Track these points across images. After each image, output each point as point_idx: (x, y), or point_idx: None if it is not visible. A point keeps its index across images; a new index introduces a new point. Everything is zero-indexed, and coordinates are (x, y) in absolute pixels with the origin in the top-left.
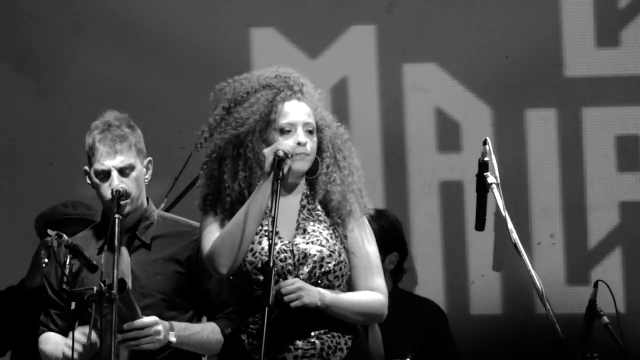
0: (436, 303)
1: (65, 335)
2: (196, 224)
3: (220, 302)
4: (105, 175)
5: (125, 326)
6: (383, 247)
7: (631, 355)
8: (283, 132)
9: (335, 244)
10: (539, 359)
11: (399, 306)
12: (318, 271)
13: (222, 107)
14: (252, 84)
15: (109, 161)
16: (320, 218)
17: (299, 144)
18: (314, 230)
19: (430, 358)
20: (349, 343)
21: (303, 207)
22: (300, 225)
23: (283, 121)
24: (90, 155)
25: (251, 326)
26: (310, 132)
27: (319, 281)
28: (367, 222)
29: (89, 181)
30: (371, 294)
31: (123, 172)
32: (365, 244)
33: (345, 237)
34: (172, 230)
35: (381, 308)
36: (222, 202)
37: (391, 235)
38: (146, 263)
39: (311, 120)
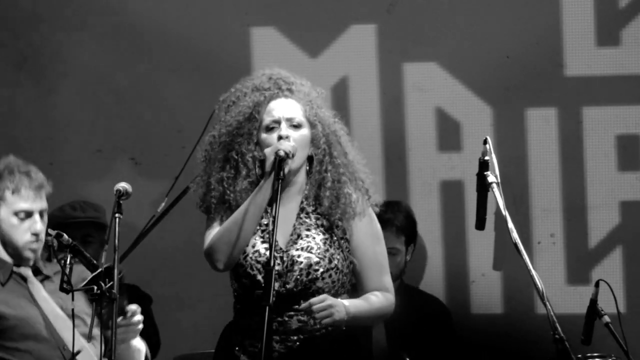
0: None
1: None
2: None
3: None
4: (27, 215)
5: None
6: (410, 237)
7: (632, 355)
8: (268, 129)
9: (327, 250)
10: (539, 358)
11: (405, 301)
12: (305, 278)
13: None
14: (244, 87)
15: (34, 204)
16: (318, 222)
17: (279, 137)
18: (307, 236)
19: (433, 353)
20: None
21: (302, 210)
22: (296, 231)
23: (267, 119)
24: (4, 197)
25: (240, 322)
26: (296, 126)
27: (307, 288)
28: (373, 218)
29: None
30: (382, 295)
31: (42, 215)
32: (371, 242)
33: (345, 240)
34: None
35: (391, 308)
36: (209, 202)
37: (413, 226)
38: (58, 292)
39: (296, 115)
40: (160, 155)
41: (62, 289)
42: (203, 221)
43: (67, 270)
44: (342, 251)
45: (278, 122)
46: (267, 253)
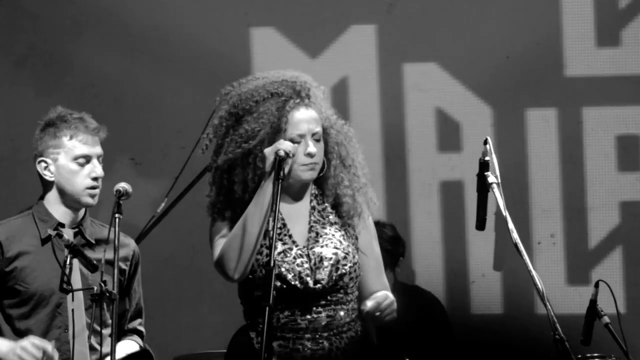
0: (429, 291)
1: None
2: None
3: (131, 315)
4: (86, 161)
5: None
6: (397, 258)
7: (632, 355)
8: (293, 141)
9: (348, 246)
10: (539, 359)
11: (402, 299)
12: (335, 274)
13: (228, 112)
14: (260, 91)
15: (93, 148)
16: (331, 220)
17: (309, 154)
18: (326, 233)
19: (429, 350)
20: (357, 345)
21: (313, 208)
22: (313, 229)
23: (294, 132)
24: (62, 144)
25: (260, 326)
26: (318, 140)
27: (335, 284)
28: (371, 220)
29: (47, 172)
30: (388, 295)
31: (99, 161)
32: (374, 243)
33: (356, 237)
34: (106, 235)
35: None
36: (233, 211)
37: (398, 248)
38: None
39: (319, 128)
40: (160, 155)
41: (61, 289)
42: (203, 221)
43: (67, 271)
44: (356, 247)
45: (303, 136)
46: (288, 250)
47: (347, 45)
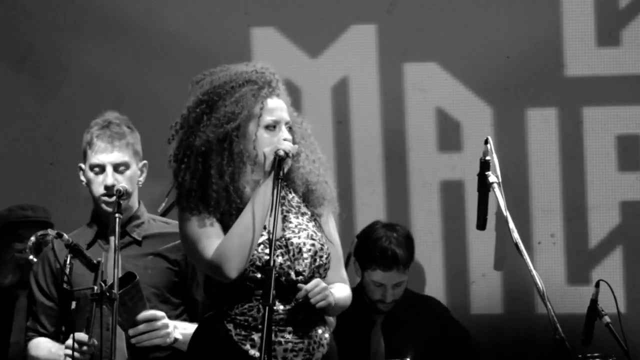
0: (441, 302)
1: (56, 339)
2: None
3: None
4: (101, 170)
5: (139, 318)
6: (411, 261)
7: (632, 355)
8: (268, 128)
9: (322, 237)
10: (540, 358)
11: (407, 307)
12: (313, 265)
13: (200, 100)
14: (235, 78)
15: (105, 156)
16: (301, 210)
17: (285, 140)
18: (299, 224)
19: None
20: (328, 339)
21: (283, 198)
22: (286, 219)
23: (270, 118)
24: (86, 151)
25: (239, 317)
26: (290, 128)
27: (314, 275)
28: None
29: (82, 178)
30: (345, 287)
31: (117, 168)
32: (335, 234)
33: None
34: (162, 230)
35: (350, 300)
36: (208, 198)
37: (413, 251)
38: (136, 257)
39: (289, 117)
40: (160, 155)
41: (62, 289)
42: None
43: (67, 270)
44: (325, 237)
45: (278, 123)
46: (266, 242)
47: (347, 45)
